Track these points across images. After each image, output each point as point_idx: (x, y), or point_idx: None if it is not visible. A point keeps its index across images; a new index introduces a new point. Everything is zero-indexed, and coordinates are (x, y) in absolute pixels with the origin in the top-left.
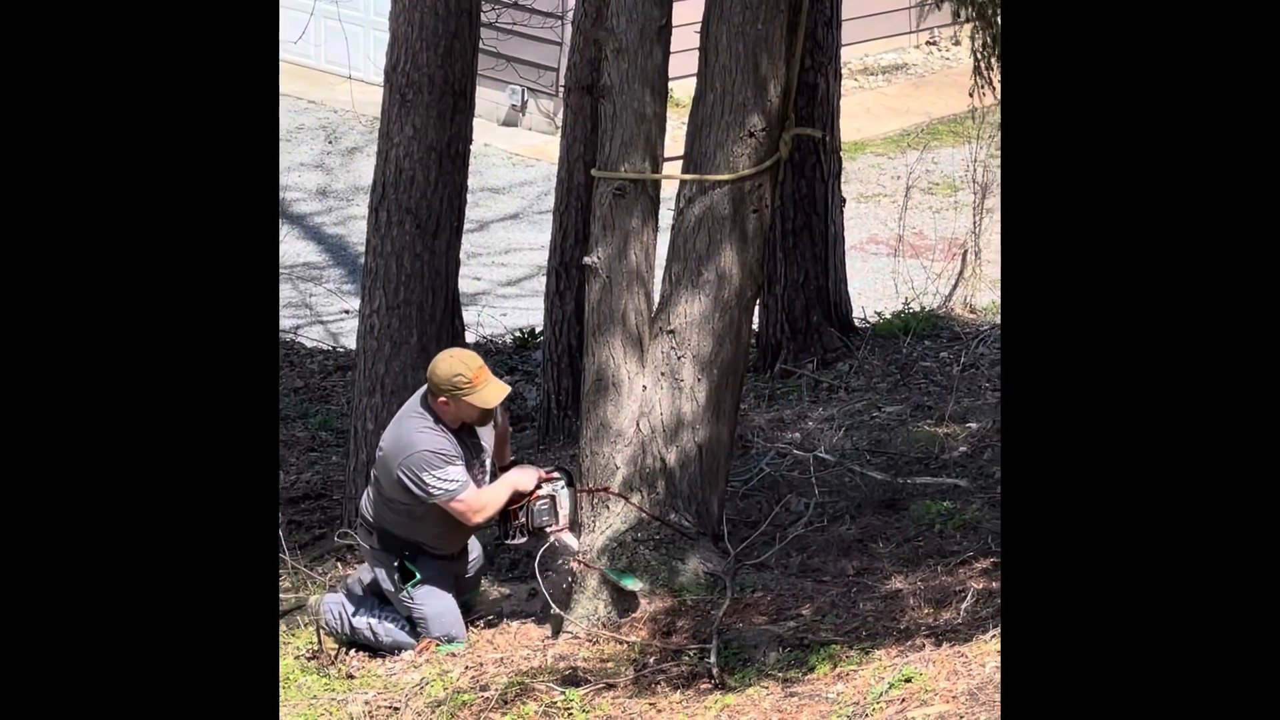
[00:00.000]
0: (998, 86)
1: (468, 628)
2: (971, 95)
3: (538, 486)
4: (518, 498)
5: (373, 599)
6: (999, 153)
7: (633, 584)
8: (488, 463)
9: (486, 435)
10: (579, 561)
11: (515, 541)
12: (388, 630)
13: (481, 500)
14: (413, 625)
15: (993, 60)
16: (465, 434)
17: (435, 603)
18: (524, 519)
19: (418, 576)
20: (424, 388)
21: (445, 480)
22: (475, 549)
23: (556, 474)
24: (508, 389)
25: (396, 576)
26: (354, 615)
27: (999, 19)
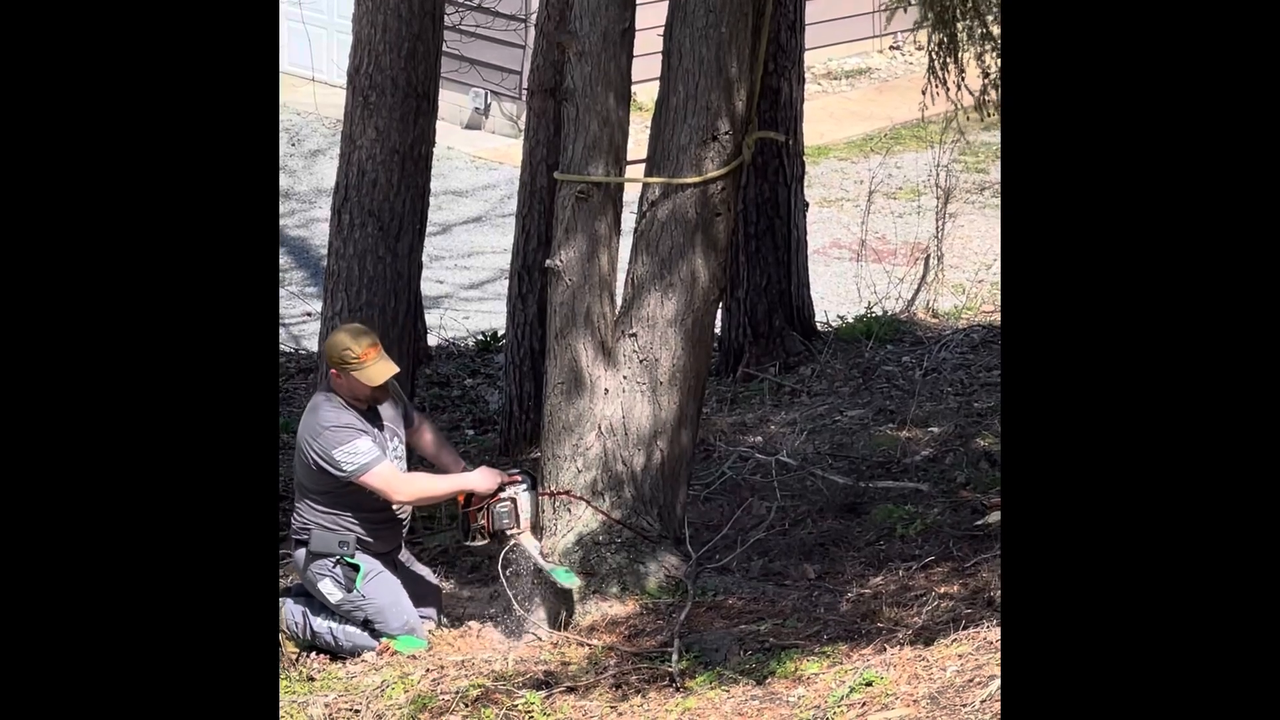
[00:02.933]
0: (952, 87)
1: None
2: (924, 94)
3: (500, 489)
4: (476, 499)
5: None
6: (962, 158)
7: (568, 580)
8: (400, 447)
9: (395, 420)
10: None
11: (475, 544)
12: (348, 634)
13: (405, 478)
14: (372, 628)
15: (949, 61)
16: (370, 414)
17: (386, 594)
18: (484, 521)
19: (363, 569)
20: None
21: (355, 454)
22: (423, 566)
23: (520, 476)
24: (395, 369)
25: (341, 575)
26: (315, 619)
27: (959, 22)
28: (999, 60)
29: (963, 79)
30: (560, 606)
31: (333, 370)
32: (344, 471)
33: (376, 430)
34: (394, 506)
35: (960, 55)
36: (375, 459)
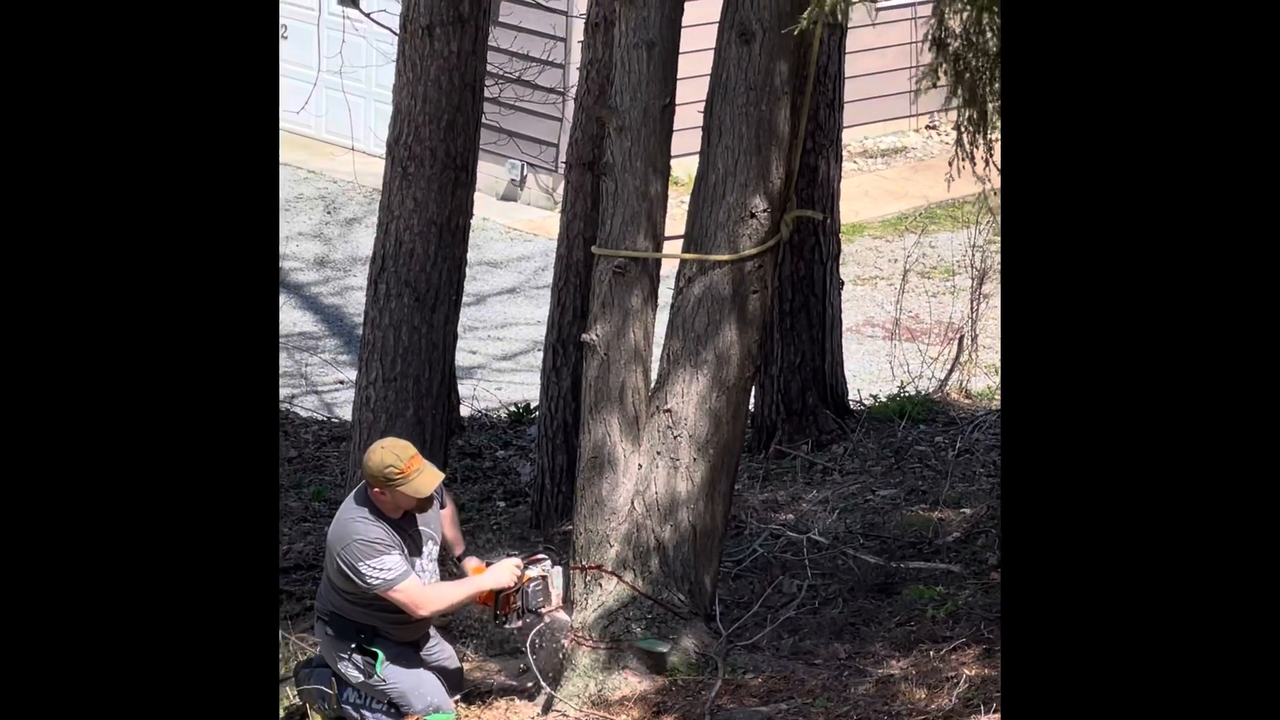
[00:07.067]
0: (979, 163)
1: (456, 703)
2: (951, 164)
3: (524, 573)
4: (491, 596)
5: None
6: (997, 238)
7: (659, 645)
8: (435, 550)
9: (432, 520)
10: (575, 638)
11: (513, 626)
12: (375, 714)
13: (427, 594)
14: (397, 709)
15: (978, 137)
16: (406, 522)
17: (409, 677)
18: (519, 603)
19: (381, 655)
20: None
21: (381, 569)
22: (446, 649)
23: (541, 555)
24: (440, 476)
25: (360, 662)
26: (342, 696)
27: (989, 100)
28: None
29: (990, 156)
30: (656, 668)
31: (375, 489)
32: (369, 585)
33: (413, 541)
34: None
35: (989, 133)
36: (401, 574)
